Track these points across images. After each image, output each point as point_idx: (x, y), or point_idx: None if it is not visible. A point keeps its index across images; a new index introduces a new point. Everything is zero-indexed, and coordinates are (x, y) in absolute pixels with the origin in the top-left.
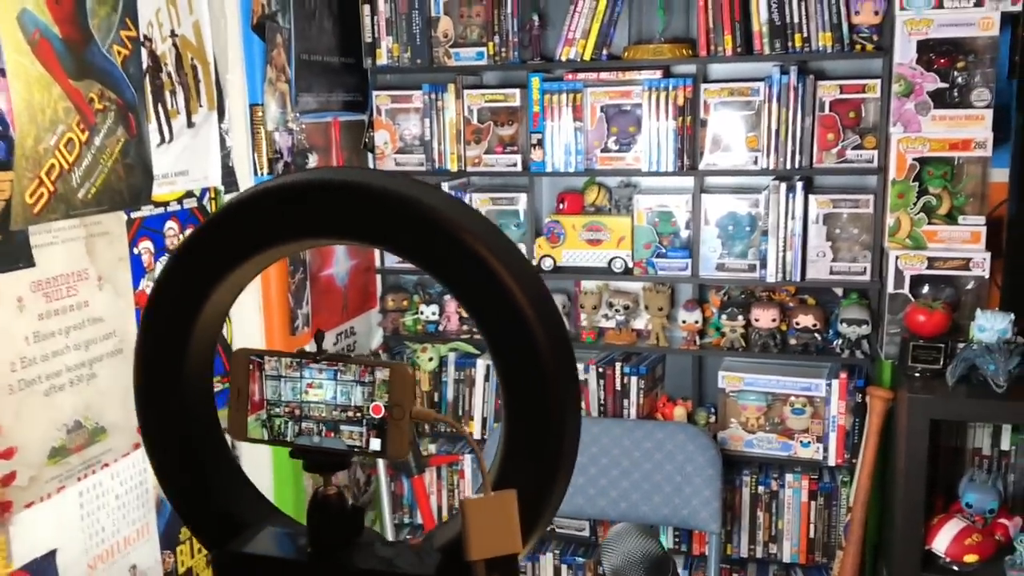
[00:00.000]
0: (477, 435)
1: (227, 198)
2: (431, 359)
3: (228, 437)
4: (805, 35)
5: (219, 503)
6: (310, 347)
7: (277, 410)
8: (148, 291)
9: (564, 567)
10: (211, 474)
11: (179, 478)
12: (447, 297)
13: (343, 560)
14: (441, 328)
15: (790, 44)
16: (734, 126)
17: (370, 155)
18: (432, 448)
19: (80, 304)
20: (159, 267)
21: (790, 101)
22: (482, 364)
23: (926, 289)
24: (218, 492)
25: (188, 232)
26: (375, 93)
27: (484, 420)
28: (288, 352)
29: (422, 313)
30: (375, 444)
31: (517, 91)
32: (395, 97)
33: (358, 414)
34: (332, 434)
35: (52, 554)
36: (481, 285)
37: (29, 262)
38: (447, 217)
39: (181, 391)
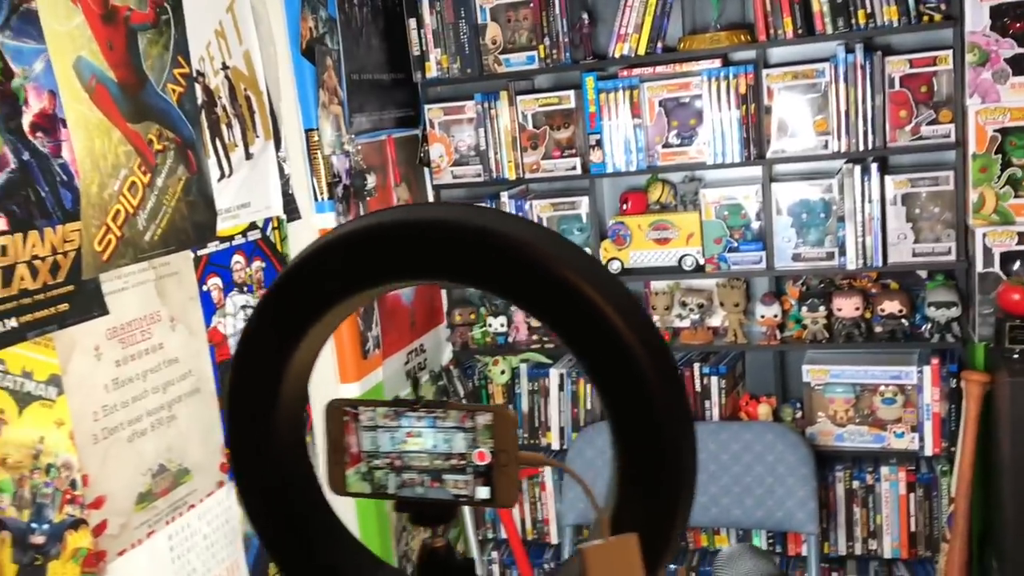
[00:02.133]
0: (556, 445)
1: (312, 231)
2: (503, 372)
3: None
4: (869, 10)
5: (322, 557)
6: (395, 388)
7: (377, 462)
8: (220, 328)
9: None
10: (312, 527)
11: (280, 534)
12: (514, 308)
13: None
14: (510, 339)
15: (854, 21)
16: (800, 110)
17: (426, 169)
18: None
19: (155, 347)
20: (229, 303)
21: (858, 80)
22: (555, 373)
23: (1017, 265)
24: (320, 546)
25: (275, 278)
26: (427, 107)
27: (561, 430)
28: (383, 401)
29: (490, 326)
30: (483, 492)
31: (571, 92)
32: (447, 109)
33: (462, 462)
34: (437, 484)
35: None
36: (579, 318)
37: (103, 310)
38: (540, 252)
39: (275, 443)
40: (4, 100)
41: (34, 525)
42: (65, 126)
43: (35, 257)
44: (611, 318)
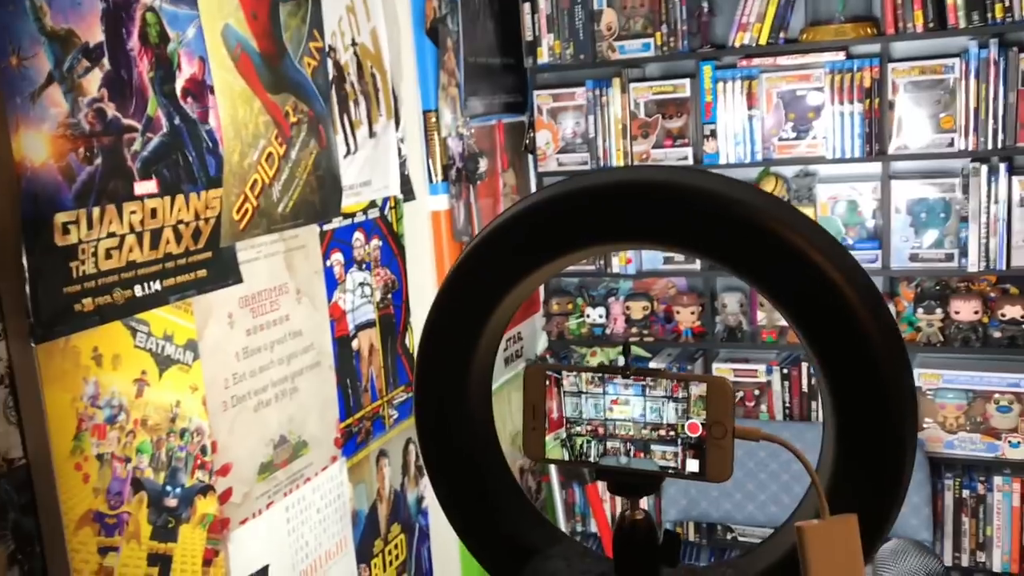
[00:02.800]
0: None
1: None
2: (601, 363)
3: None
4: (1007, 4)
5: (507, 529)
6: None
7: (578, 428)
8: (340, 303)
9: None
10: (497, 499)
11: (466, 505)
12: (612, 299)
13: None
14: (608, 331)
15: (989, 15)
16: (925, 106)
17: (530, 156)
18: None
19: (282, 319)
20: (348, 279)
21: (990, 76)
22: (654, 366)
23: None
24: (505, 517)
25: (484, 231)
26: (536, 93)
27: None
28: (588, 366)
29: (588, 316)
30: (692, 465)
31: (687, 81)
32: (556, 96)
33: (671, 433)
34: (642, 454)
35: (265, 570)
36: (814, 296)
37: (238, 278)
38: (771, 218)
39: (466, 412)
40: (160, 64)
41: (168, 488)
42: (212, 93)
43: (180, 222)
44: (849, 297)
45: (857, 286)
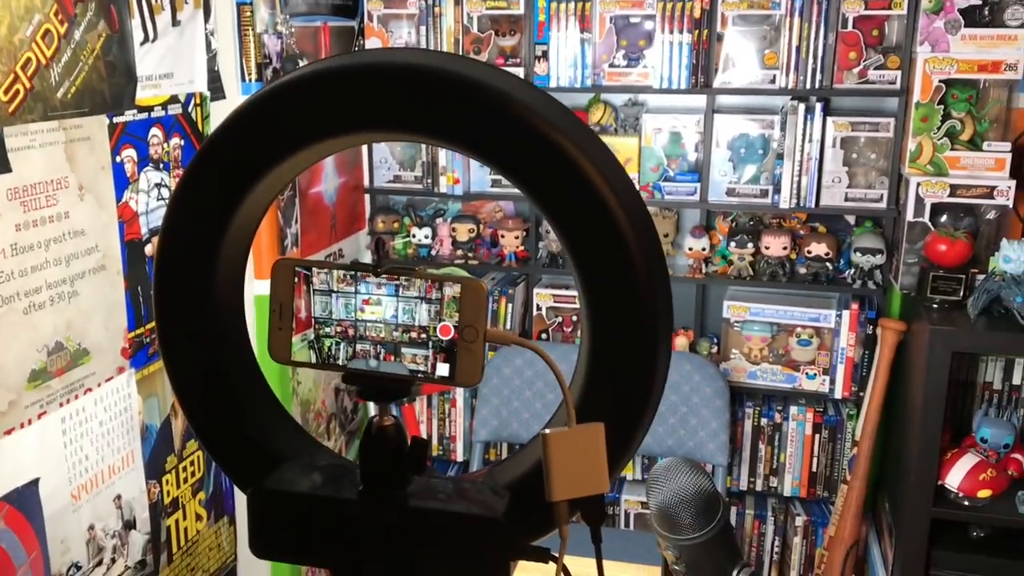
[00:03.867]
0: None
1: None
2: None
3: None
4: None
5: (254, 436)
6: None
7: (327, 329)
8: (131, 204)
9: None
10: (245, 403)
11: (208, 408)
12: (439, 220)
13: (398, 499)
14: (434, 252)
15: None
16: (751, 41)
17: None
18: None
19: (60, 215)
20: (143, 178)
21: (812, 15)
22: None
23: (944, 218)
24: (253, 423)
25: (228, 115)
26: None
27: None
28: (341, 264)
29: (414, 236)
30: (443, 369)
31: None
32: (388, 2)
33: (423, 335)
34: (392, 357)
35: (35, 483)
36: (569, 190)
37: (5, 167)
38: (534, 112)
39: (211, 308)
40: None
41: None
42: None
43: None
44: (599, 185)
45: (619, 192)
